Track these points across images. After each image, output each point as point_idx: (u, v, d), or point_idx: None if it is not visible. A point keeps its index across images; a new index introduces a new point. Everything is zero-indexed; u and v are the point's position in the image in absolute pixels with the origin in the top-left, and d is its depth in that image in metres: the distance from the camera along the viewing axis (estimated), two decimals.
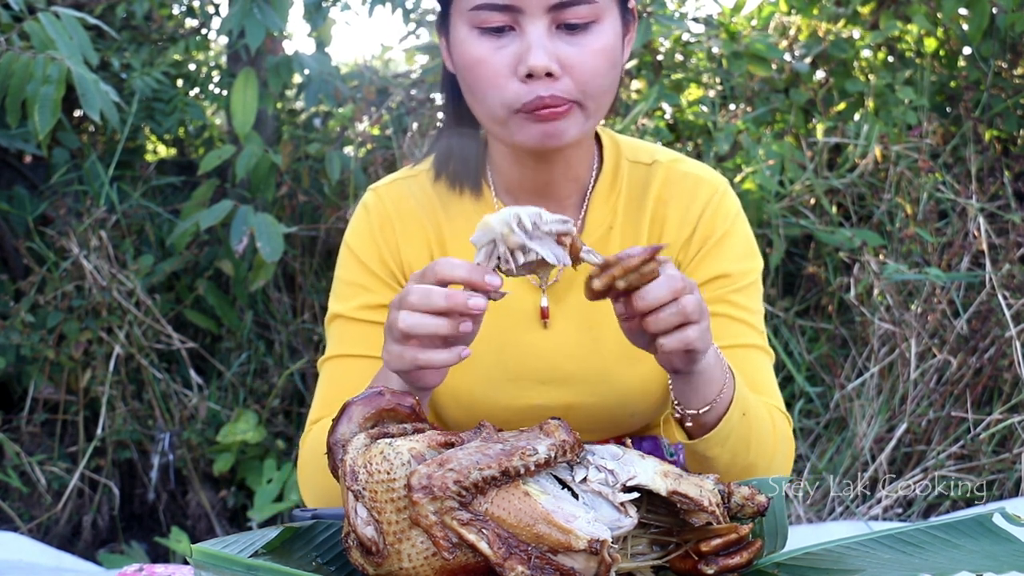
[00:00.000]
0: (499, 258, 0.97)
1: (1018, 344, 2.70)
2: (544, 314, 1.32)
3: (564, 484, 0.90)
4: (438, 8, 1.27)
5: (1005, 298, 2.77)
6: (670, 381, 1.16)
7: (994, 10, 3.20)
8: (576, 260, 0.99)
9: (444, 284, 1.00)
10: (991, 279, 2.82)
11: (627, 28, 1.25)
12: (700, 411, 1.13)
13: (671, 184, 1.33)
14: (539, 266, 0.99)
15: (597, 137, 1.37)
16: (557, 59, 1.14)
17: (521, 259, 0.97)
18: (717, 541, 0.92)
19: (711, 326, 1.25)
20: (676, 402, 1.15)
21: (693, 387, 1.12)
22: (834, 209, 3.27)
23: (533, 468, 0.87)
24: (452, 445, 0.90)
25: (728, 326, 1.29)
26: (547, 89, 1.14)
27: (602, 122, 1.32)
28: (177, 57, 3.79)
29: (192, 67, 3.94)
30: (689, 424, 1.16)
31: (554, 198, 1.31)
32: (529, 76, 1.14)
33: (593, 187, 1.33)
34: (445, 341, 1.02)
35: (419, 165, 1.41)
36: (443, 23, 1.25)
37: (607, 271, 0.97)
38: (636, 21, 1.28)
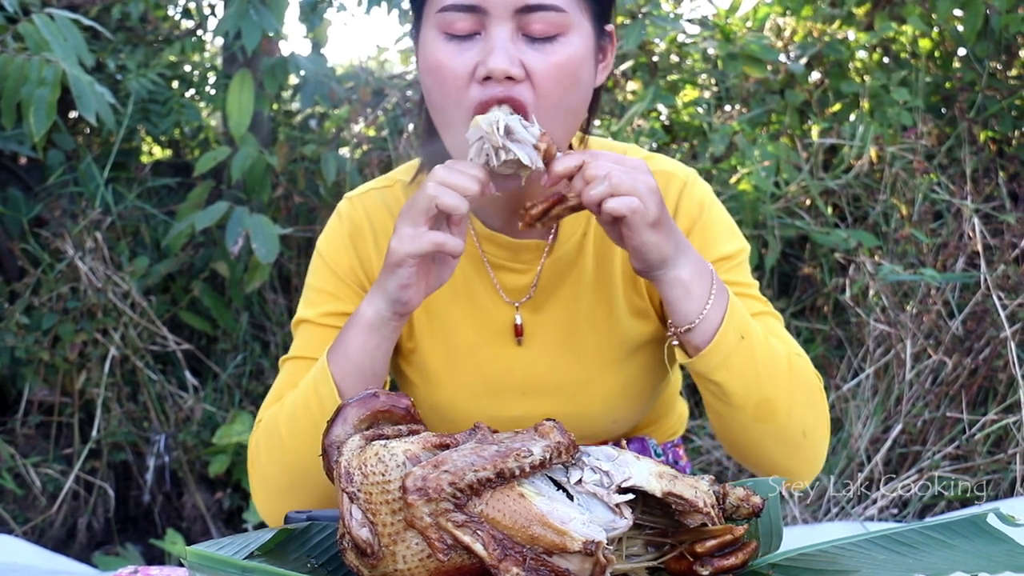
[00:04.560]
0: (487, 156, 1.10)
1: (1013, 345, 2.70)
2: (518, 331, 1.32)
3: (559, 485, 0.90)
4: (412, 16, 1.25)
5: (1000, 299, 2.77)
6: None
7: (988, 11, 3.21)
8: (548, 170, 1.10)
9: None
10: (986, 280, 2.82)
11: (603, 52, 1.23)
12: (683, 329, 1.16)
13: None
14: (519, 167, 1.11)
15: None
16: (520, 63, 1.13)
17: (503, 157, 1.09)
18: (712, 542, 0.92)
19: None
20: (669, 322, 1.19)
21: (671, 299, 1.15)
22: (829, 210, 3.28)
23: (528, 470, 0.87)
24: (447, 447, 0.90)
25: None
26: (504, 90, 1.12)
27: (596, 123, 1.32)
28: (173, 58, 3.79)
29: (188, 68, 3.93)
30: (676, 343, 1.19)
31: None
32: (487, 79, 1.12)
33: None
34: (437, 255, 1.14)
35: (394, 174, 1.41)
36: (416, 31, 1.24)
37: (526, 214, 1.15)
38: (614, 46, 1.26)
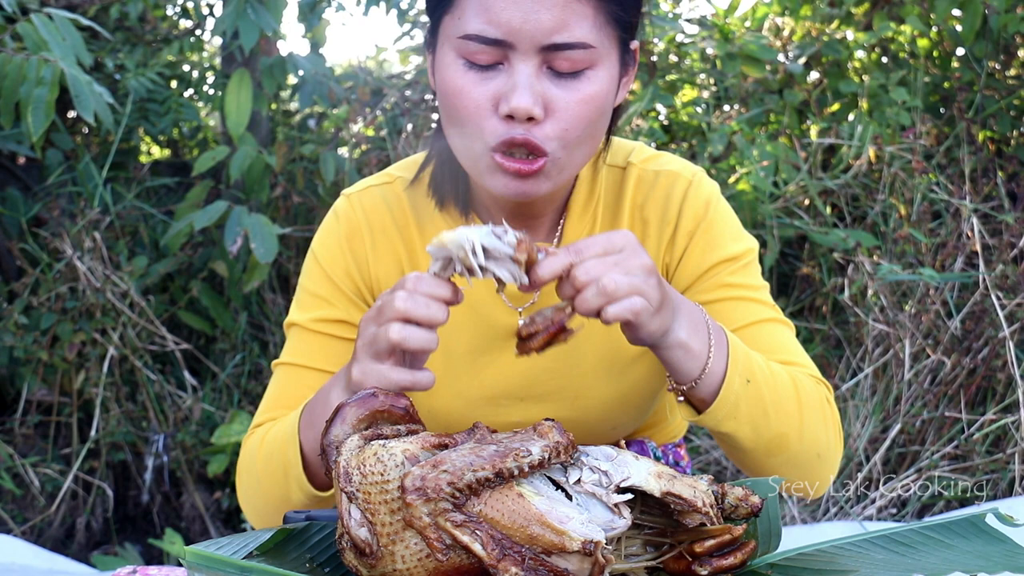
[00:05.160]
0: (455, 269, 1.00)
1: (1011, 344, 2.70)
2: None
3: (558, 485, 0.90)
4: (428, 23, 1.21)
5: (998, 298, 2.78)
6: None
7: (986, 11, 3.21)
8: (531, 277, 0.99)
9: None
10: (984, 280, 2.82)
11: (626, 69, 1.19)
12: (687, 386, 1.11)
13: (644, 185, 1.30)
14: (497, 281, 1.00)
15: None
16: (542, 101, 1.09)
17: (479, 276, 0.98)
18: (711, 542, 0.92)
19: (719, 311, 1.24)
20: (669, 376, 1.13)
21: (673, 362, 1.09)
22: (828, 210, 3.28)
23: (527, 469, 0.87)
24: (446, 446, 0.90)
25: (736, 308, 1.26)
26: (525, 132, 1.09)
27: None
28: (171, 58, 3.79)
29: (186, 68, 3.93)
30: (682, 400, 1.15)
31: (531, 216, 1.28)
32: (510, 116, 1.09)
33: (570, 198, 1.30)
34: (413, 356, 1.05)
35: (394, 169, 1.38)
36: (431, 40, 1.19)
37: (525, 344, 1.03)
38: (636, 62, 1.22)
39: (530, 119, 1.08)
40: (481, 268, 0.97)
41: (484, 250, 0.97)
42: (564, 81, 1.09)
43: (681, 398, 1.15)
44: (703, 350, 1.09)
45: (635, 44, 1.19)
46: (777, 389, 1.15)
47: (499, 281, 0.99)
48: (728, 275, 1.27)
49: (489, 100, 1.10)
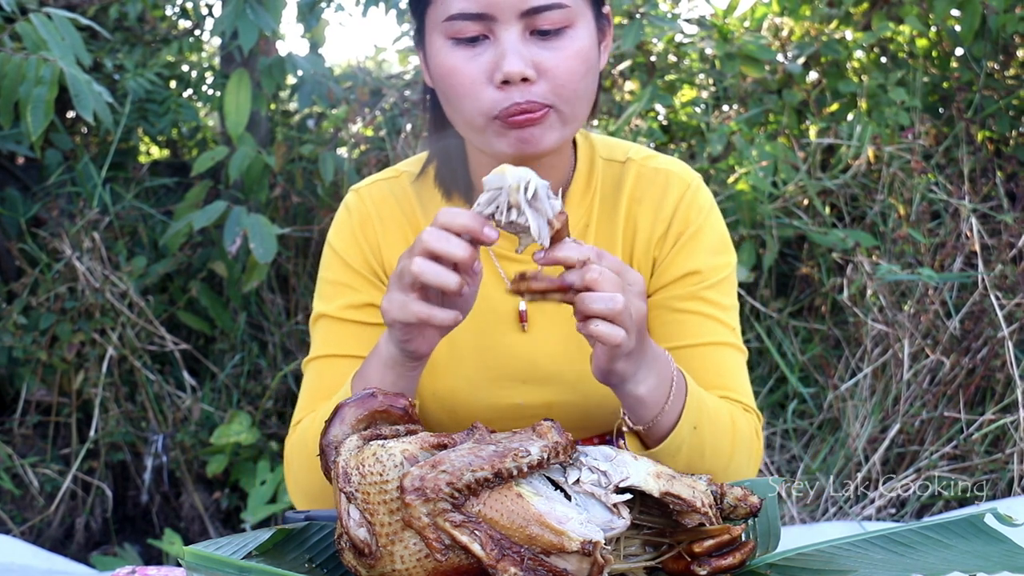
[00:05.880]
0: (497, 207, 1.00)
1: (1010, 344, 2.71)
2: (522, 318, 1.33)
3: (557, 485, 0.90)
4: (415, 23, 1.27)
5: (997, 298, 2.78)
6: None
7: (985, 11, 3.21)
8: (550, 248, 1.00)
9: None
10: (983, 280, 2.82)
11: (603, 34, 1.25)
12: (638, 427, 1.15)
13: (643, 181, 1.34)
14: (522, 231, 1.01)
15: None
16: (532, 64, 1.15)
17: (513, 216, 0.99)
18: (710, 542, 0.92)
19: (683, 323, 1.28)
20: (623, 413, 1.17)
21: (626, 406, 1.13)
22: (827, 210, 3.28)
23: (526, 470, 0.87)
24: (445, 447, 0.90)
25: (701, 324, 1.30)
26: (523, 94, 1.15)
27: (594, 123, 1.32)
28: (170, 58, 3.78)
29: (185, 68, 3.93)
30: (627, 430, 1.18)
31: None
32: (505, 83, 1.15)
33: (568, 187, 1.34)
34: (446, 298, 1.04)
35: (401, 165, 1.42)
36: (419, 37, 1.25)
37: (523, 282, 1.01)
38: (612, 27, 1.28)
39: (524, 80, 1.14)
40: (519, 209, 0.98)
41: (534, 198, 0.98)
42: (549, 42, 1.16)
43: (627, 431, 1.18)
44: (658, 403, 1.13)
45: (607, 8, 1.26)
46: (717, 433, 1.20)
47: (524, 232, 0.99)
48: (704, 288, 1.30)
49: (483, 74, 1.16)
